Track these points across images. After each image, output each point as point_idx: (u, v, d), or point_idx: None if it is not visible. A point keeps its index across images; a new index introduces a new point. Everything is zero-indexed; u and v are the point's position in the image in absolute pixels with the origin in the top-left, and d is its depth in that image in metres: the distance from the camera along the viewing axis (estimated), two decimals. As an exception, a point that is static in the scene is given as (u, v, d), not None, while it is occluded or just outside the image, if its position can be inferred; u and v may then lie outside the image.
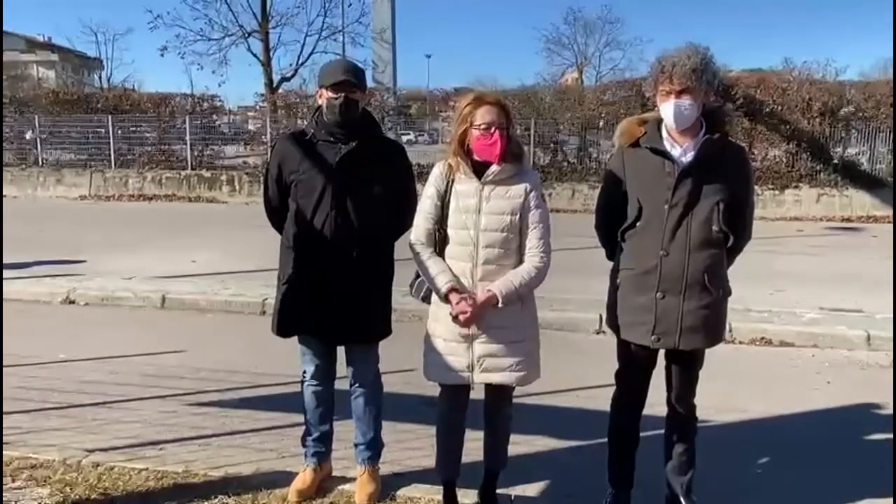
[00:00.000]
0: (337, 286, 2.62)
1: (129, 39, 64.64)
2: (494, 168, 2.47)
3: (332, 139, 2.61)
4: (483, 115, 2.44)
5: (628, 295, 2.57)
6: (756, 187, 13.99)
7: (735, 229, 2.46)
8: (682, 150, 2.46)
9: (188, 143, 16.43)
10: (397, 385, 3.08)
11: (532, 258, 2.50)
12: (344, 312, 2.65)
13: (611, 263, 2.73)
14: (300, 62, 23.61)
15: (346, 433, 3.25)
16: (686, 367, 2.65)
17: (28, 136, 17.50)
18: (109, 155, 16.56)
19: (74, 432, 3.54)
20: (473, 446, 2.83)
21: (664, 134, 2.49)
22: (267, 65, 22.56)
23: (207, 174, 16.12)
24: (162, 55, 23.72)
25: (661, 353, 2.65)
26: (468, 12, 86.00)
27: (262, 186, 2.90)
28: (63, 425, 3.66)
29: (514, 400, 2.79)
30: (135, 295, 6.43)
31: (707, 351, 2.64)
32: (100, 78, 42.71)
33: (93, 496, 2.74)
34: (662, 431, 2.80)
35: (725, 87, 13.01)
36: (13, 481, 2.85)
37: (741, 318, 5.60)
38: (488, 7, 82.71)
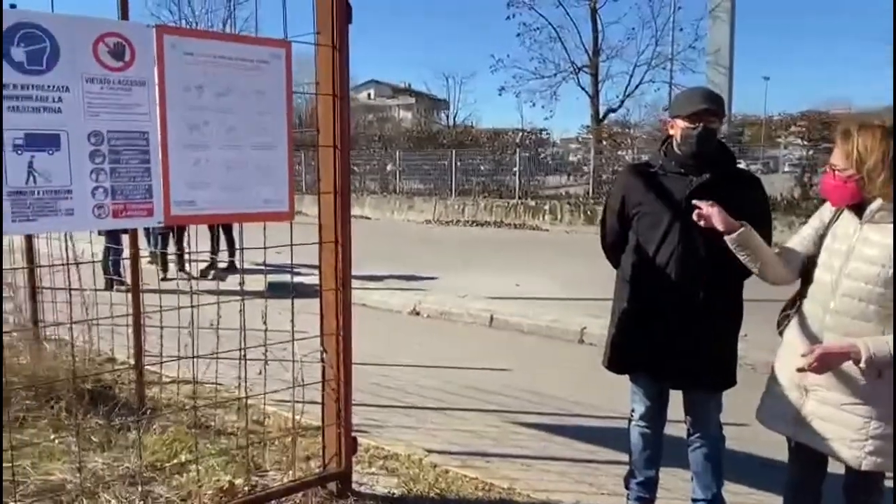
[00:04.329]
0: (679, 327, 2.48)
1: (473, 81, 72.02)
2: (876, 204, 2.10)
3: (682, 171, 2.49)
4: None
5: None
6: None
7: None
8: None
9: (517, 174, 17.59)
10: (727, 439, 2.82)
11: None
12: (685, 356, 2.49)
13: None
14: (627, 93, 23.62)
15: (671, 482, 3.07)
16: None
17: (388, 168, 20.65)
18: (451, 185, 18.58)
19: (416, 432, 3.96)
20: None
21: None
22: (595, 97, 23.04)
23: (532, 203, 17.02)
24: (500, 94, 25.84)
25: None
26: (812, 28, 76.60)
27: (599, 217, 2.90)
28: (407, 423, 4.13)
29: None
30: (467, 312, 7.02)
31: None
32: (447, 117, 48.34)
33: (431, 494, 3.01)
34: None
35: None
36: (369, 466, 3.28)
37: None
38: (837, 20, 72.58)
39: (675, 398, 2.72)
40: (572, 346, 6.11)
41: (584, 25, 23.24)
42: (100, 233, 7.25)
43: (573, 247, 12.64)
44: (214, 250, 8.86)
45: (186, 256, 8.45)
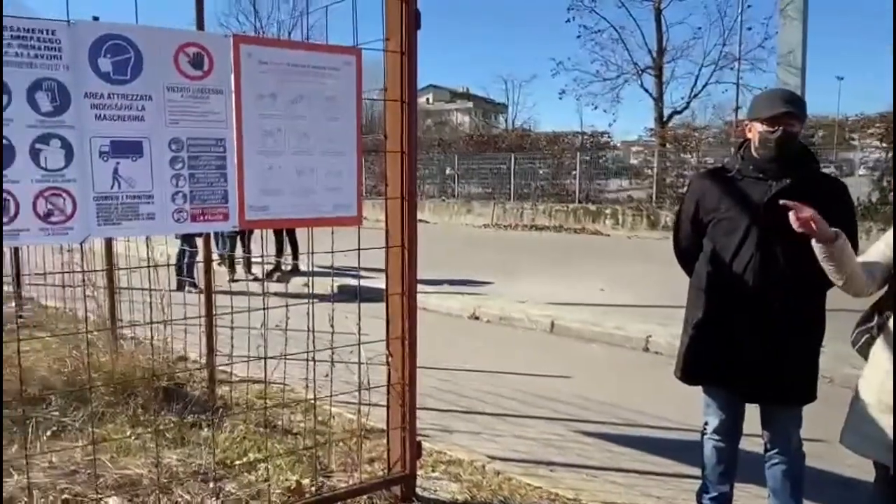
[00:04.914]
0: (756, 337, 2.38)
1: (532, 85, 71.60)
2: None
3: (761, 176, 2.39)
4: None
5: None
6: None
7: None
8: None
9: (577, 177, 17.38)
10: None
11: None
12: (762, 368, 2.39)
13: None
14: (693, 94, 23.03)
15: (745, 499, 2.96)
16: None
17: (447, 171, 20.73)
18: (509, 189, 18.52)
19: (477, 437, 3.94)
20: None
21: None
22: (659, 99, 22.56)
23: (593, 207, 16.78)
24: (560, 98, 25.65)
25: None
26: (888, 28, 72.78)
27: (663, 222, 2.81)
28: (468, 428, 4.11)
29: None
30: (527, 318, 6.96)
31: None
32: (505, 121, 48.19)
33: (494, 502, 2.99)
34: None
35: None
36: (432, 471, 3.28)
37: None
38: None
39: (753, 410, 2.62)
40: (637, 354, 5.97)
41: (648, 26, 22.82)
42: (175, 235, 7.54)
43: (636, 252, 12.38)
44: (280, 253, 9.08)
45: (253, 259, 8.70)
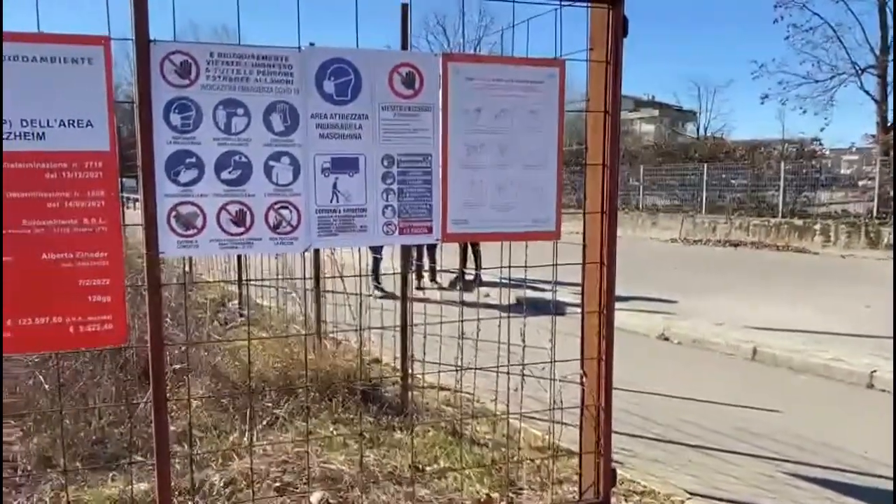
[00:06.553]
0: None
1: (728, 90, 67.08)
2: None
3: None
4: None
5: None
6: None
7: None
8: None
9: (781, 189, 15.89)
10: None
11: None
12: None
13: None
14: (924, 95, 20.06)
15: None
16: None
17: (632, 182, 20.01)
18: (700, 201, 17.40)
19: (672, 468, 3.67)
20: None
21: None
22: (882, 102, 19.95)
23: (799, 222, 15.23)
24: (762, 103, 23.74)
25: None
26: None
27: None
28: (661, 458, 3.85)
29: None
30: (725, 342, 6.42)
31: None
32: (697, 129, 45.49)
33: (695, 543, 2.76)
34: None
35: None
36: (625, 501, 3.11)
37: None
38: None
39: None
40: (859, 391, 5.25)
41: (870, 21, 20.33)
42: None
43: (852, 273, 11.03)
44: (463, 263, 9.30)
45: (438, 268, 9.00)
